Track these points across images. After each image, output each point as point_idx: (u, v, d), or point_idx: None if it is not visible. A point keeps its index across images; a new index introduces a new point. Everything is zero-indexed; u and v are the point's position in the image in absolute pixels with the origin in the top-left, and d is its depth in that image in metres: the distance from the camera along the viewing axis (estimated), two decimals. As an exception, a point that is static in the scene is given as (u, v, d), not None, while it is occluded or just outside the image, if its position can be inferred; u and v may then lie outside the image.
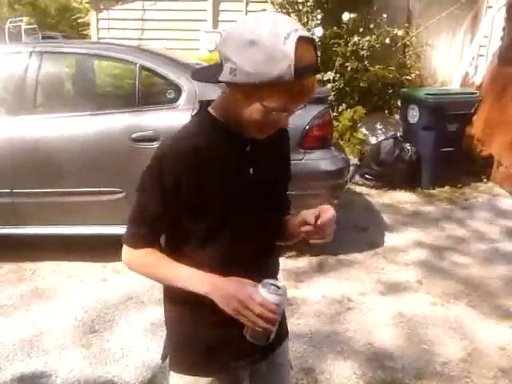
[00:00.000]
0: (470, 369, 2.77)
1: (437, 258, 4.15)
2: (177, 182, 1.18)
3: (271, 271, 1.38)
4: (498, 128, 6.08)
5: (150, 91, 3.96)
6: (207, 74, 1.19)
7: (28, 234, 3.75)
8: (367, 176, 5.74)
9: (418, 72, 6.92)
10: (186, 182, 1.19)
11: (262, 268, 1.30)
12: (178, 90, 3.68)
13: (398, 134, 5.92)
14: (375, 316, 3.25)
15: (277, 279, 1.36)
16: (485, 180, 6.09)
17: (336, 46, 6.30)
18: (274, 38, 1.03)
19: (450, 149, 5.70)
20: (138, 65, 3.72)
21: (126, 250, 1.31)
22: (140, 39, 6.62)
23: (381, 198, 5.50)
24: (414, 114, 5.79)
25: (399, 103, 6.52)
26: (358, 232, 4.48)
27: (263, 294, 1.12)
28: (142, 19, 6.74)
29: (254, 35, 1.04)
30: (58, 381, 2.61)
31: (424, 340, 3.01)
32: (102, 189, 3.64)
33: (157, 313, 3.13)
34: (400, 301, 3.44)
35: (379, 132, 6.53)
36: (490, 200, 5.60)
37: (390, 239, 4.45)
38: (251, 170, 1.27)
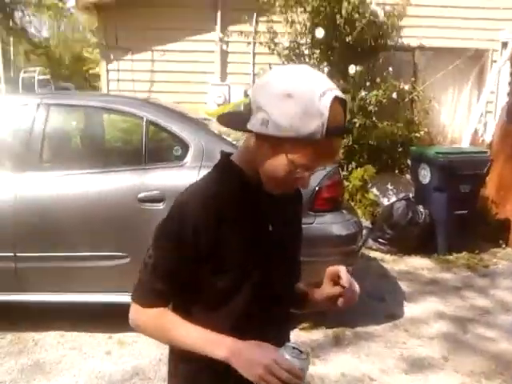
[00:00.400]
0: None
1: (461, 331, 3.85)
2: (197, 233, 1.12)
3: (286, 337, 1.33)
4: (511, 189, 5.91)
5: (156, 147, 3.81)
6: (235, 120, 1.18)
7: (30, 301, 3.47)
8: (380, 240, 5.49)
9: (426, 129, 6.73)
10: (207, 233, 1.13)
11: (278, 333, 1.26)
12: (185, 146, 3.50)
13: (411, 195, 5.74)
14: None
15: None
16: (503, 245, 5.84)
17: (343, 100, 6.18)
18: (310, 94, 1.02)
19: (464, 211, 5.49)
20: (144, 119, 3.56)
21: (135, 308, 1.21)
22: (149, 91, 6.56)
23: (396, 264, 5.23)
24: (425, 174, 5.62)
25: (409, 162, 6.36)
26: (374, 302, 4.18)
27: (288, 357, 1.06)
28: (152, 71, 6.70)
29: (291, 88, 1.03)
30: None
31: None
32: (106, 253, 3.39)
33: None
34: (426, 380, 3.13)
35: (390, 193, 6.36)
36: (510, 267, 5.33)
37: (410, 310, 4.16)
38: (270, 226, 1.23)
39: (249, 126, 1.09)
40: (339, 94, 1.05)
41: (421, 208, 5.43)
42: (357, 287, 1.24)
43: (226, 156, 1.25)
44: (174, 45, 6.71)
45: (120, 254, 3.36)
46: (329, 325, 3.70)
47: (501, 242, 5.86)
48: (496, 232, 5.92)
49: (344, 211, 3.80)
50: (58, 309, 3.54)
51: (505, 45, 6.75)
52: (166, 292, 1.18)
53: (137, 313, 1.21)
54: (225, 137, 3.58)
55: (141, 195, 3.37)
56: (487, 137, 6.64)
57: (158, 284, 1.16)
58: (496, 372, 3.27)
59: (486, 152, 5.81)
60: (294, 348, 1.08)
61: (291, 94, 1.02)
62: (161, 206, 3.32)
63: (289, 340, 1.32)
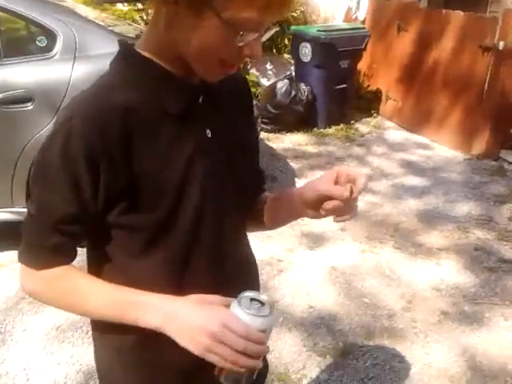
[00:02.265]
0: (414, 317, 2.72)
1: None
2: (94, 166, 0.80)
3: (245, 273, 1.02)
4: (383, 63, 6.12)
5: (13, 39, 3.20)
6: None
7: None
8: (264, 120, 5.44)
9: (302, 9, 6.62)
10: (111, 162, 0.80)
11: (235, 271, 0.96)
12: (51, 36, 2.95)
13: (292, 74, 5.66)
14: (309, 274, 3.06)
15: (258, 288, 1.05)
16: (375, 115, 6.16)
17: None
18: None
19: (344, 85, 5.60)
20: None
21: (27, 272, 0.89)
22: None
23: (281, 142, 5.28)
24: (306, 53, 5.53)
25: (286, 42, 6.24)
26: (268, 182, 4.20)
27: (243, 317, 0.77)
28: None
29: None
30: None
31: (364, 293, 2.90)
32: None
33: (60, 312, 2.63)
34: (329, 253, 3.29)
35: (270, 73, 6.21)
36: (382, 134, 5.69)
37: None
38: (208, 131, 0.90)
39: None
40: None
41: (303, 85, 5.41)
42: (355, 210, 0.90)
43: (127, 45, 0.88)
44: None
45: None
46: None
47: (373, 111, 6.18)
48: (368, 103, 6.23)
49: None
50: None
51: None
52: (64, 244, 0.87)
53: (30, 277, 0.90)
54: (99, 22, 3.07)
55: (0, 96, 2.84)
56: (360, 15, 6.64)
57: (50, 236, 0.85)
58: (388, 235, 3.54)
59: (364, 28, 5.86)
60: (252, 300, 0.79)
61: None
62: (29, 106, 2.85)
63: (256, 272, 1.05)
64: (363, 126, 5.86)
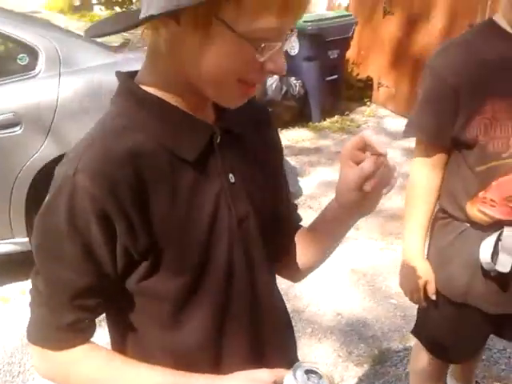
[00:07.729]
0: (446, 315, 2.59)
1: (359, 195, 3.95)
2: (109, 227, 0.67)
3: (280, 324, 0.94)
4: (371, 49, 6.00)
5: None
6: (116, 22, 0.72)
7: None
8: (258, 119, 5.30)
9: None
10: (128, 223, 0.68)
11: (268, 325, 0.87)
12: (32, 53, 2.78)
13: (281, 69, 5.52)
14: (330, 279, 2.92)
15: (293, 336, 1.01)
16: (368, 103, 6.04)
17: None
18: None
19: (334, 77, 5.48)
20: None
21: (40, 353, 0.77)
22: None
23: (278, 140, 5.14)
24: (293, 45, 5.39)
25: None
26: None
27: None
28: None
29: None
30: None
31: (389, 294, 2.78)
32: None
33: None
34: (347, 255, 3.16)
35: (257, 69, 6.08)
36: (378, 122, 5.57)
37: (306, 185, 4.14)
38: (231, 176, 0.77)
39: (149, 12, 0.62)
40: None
41: (293, 80, 5.28)
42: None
43: (126, 79, 0.75)
44: None
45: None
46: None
47: (365, 100, 6.06)
48: (360, 92, 6.11)
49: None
50: None
51: None
52: (82, 321, 0.75)
53: (45, 359, 0.78)
54: (80, 33, 2.90)
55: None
56: (343, 0, 6.50)
57: (65, 315, 0.73)
58: (402, 229, 3.41)
59: (350, 15, 5.71)
60: (308, 371, 0.69)
61: None
62: (17, 131, 2.68)
63: (290, 327, 0.98)
64: (358, 116, 5.75)
